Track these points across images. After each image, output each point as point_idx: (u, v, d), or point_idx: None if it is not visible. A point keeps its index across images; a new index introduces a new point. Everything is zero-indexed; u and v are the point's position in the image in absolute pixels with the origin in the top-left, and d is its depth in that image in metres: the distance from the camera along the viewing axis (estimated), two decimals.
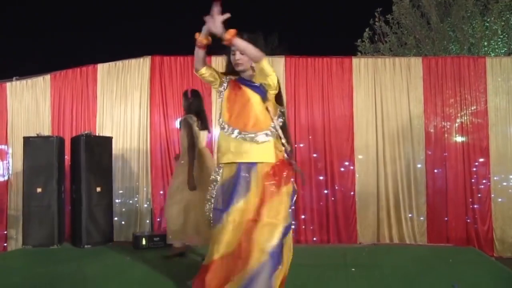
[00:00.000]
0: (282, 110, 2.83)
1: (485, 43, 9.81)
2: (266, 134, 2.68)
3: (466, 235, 5.46)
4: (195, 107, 4.16)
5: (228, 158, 2.72)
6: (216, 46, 2.66)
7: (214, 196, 2.82)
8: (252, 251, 2.48)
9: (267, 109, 2.73)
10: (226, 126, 2.74)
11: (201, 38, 2.62)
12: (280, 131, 2.74)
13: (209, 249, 2.75)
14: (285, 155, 2.78)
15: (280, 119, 2.79)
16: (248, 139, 2.66)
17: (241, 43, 2.50)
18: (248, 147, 2.66)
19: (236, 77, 2.84)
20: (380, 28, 10.93)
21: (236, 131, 2.69)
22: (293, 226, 5.53)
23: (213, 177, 2.86)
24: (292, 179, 2.74)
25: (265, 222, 2.52)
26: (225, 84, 2.84)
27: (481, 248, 5.19)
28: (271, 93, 2.70)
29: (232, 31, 2.48)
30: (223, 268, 2.60)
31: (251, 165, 2.65)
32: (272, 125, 2.73)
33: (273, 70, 2.63)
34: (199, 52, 2.70)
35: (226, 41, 2.49)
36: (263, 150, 2.67)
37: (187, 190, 3.93)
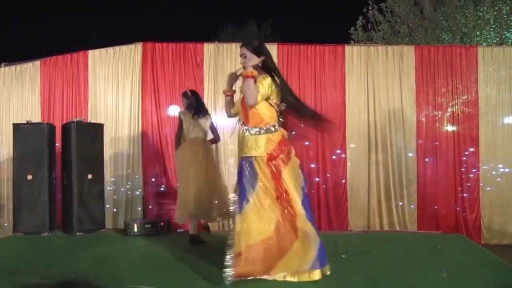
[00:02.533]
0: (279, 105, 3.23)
1: (478, 33, 9.83)
2: (260, 129, 3.06)
3: (455, 223, 5.54)
4: (187, 104, 4.57)
5: (239, 153, 3.19)
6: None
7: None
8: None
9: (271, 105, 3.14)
10: (240, 125, 3.21)
11: (226, 90, 3.29)
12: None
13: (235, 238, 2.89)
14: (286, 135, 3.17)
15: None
16: (246, 133, 3.10)
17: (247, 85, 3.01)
18: (246, 142, 3.07)
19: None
20: (373, 16, 10.88)
21: (244, 128, 3.14)
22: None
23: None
24: (292, 153, 3.13)
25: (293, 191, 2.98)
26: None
27: (469, 235, 5.27)
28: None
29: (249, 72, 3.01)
30: (267, 249, 2.89)
31: (250, 158, 3.05)
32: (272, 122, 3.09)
33: (263, 87, 3.06)
34: (227, 100, 3.34)
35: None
36: (256, 144, 3.04)
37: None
